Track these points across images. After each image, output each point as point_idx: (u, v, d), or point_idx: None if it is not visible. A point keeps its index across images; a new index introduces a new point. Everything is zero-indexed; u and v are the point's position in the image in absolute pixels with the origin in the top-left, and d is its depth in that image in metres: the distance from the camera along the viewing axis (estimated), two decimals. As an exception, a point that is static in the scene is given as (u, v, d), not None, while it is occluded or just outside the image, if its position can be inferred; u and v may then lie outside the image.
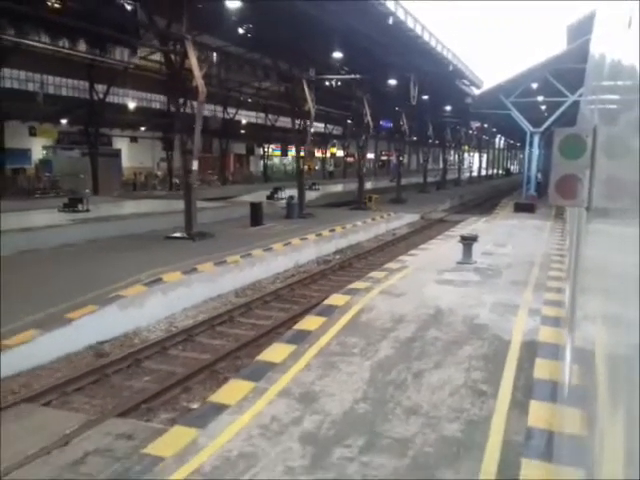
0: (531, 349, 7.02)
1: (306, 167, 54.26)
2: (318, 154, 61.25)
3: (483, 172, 66.56)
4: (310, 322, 8.12)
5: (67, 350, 7.81)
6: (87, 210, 20.14)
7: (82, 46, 13.22)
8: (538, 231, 18.49)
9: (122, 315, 8.84)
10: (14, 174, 30.56)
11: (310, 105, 19.80)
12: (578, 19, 22.50)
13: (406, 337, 7.47)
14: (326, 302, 9.06)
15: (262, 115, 46.04)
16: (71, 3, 11.18)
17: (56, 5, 10.97)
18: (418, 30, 15.50)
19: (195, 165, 14.14)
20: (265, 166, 50.05)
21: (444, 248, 14.49)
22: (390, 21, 13.35)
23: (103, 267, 11.09)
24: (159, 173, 41.36)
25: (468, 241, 11.88)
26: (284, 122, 48.07)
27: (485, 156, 69.45)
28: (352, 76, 20.67)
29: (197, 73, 13.46)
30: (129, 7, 11.84)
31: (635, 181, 1.44)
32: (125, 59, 14.65)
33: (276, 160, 58.03)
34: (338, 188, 42.37)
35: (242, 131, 44.96)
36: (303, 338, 7.49)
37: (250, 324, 9.84)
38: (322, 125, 52.10)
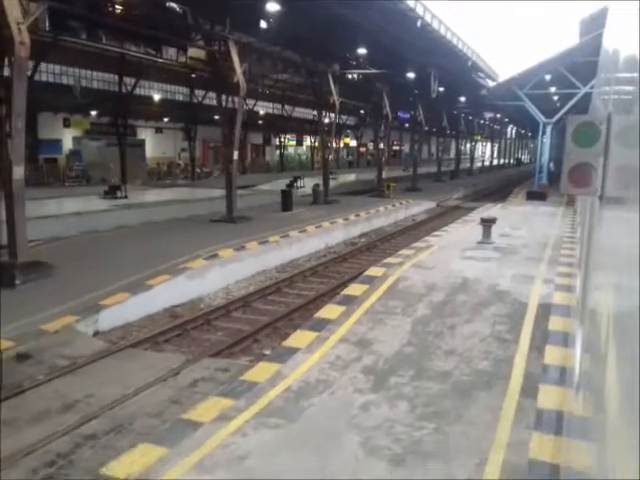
0: (546, 309, 8.30)
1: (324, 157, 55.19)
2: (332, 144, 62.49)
3: (494, 162, 67.41)
4: (355, 289, 9.46)
5: (149, 311, 9.21)
6: (125, 197, 21.56)
7: (130, 45, 14.46)
8: (550, 217, 19.67)
9: (189, 284, 10.23)
10: (47, 163, 32.01)
11: (335, 98, 20.97)
12: (590, 14, 23.51)
13: (439, 300, 8.79)
14: (366, 273, 10.41)
15: (278, 106, 47.17)
16: (132, 9, 12.48)
17: (117, 11, 12.26)
18: (442, 30, 16.65)
19: (236, 155, 15.46)
20: (282, 156, 51.25)
21: (464, 231, 15.76)
22: (418, 24, 14.53)
23: (164, 245, 12.48)
24: (181, 162, 42.69)
25: (488, 223, 13.15)
26: (299, 113, 49.34)
27: (497, 146, 70.27)
28: (375, 71, 21.78)
29: (238, 70, 14.74)
30: (180, 11, 13.10)
31: None
32: (176, 58, 15.91)
33: (291, 150, 59.20)
34: (352, 177, 43.63)
35: (260, 122, 46.12)
36: (351, 301, 8.82)
37: (295, 294, 11.18)
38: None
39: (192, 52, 16.05)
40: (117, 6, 12.17)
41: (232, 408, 5.43)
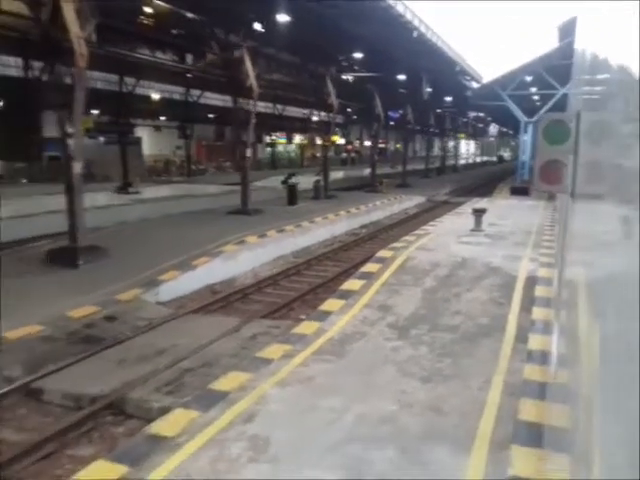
0: (532, 281, 9.99)
1: (316, 155, 56.57)
2: (319, 142, 64.23)
3: (478, 159, 69.55)
4: (370, 267, 11.06)
5: (195, 287, 10.71)
6: (137, 192, 22.89)
7: (156, 52, 15.87)
8: (533, 209, 21.50)
9: (224, 265, 11.74)
10: (50, 161, 33.06)
11: (333, 99, 22.52)
12: (567, 20, 25.35)
13: (443, 274, 10.44)
14: (377, 254, 12.02)
15: (270, 105, 48.55)
16: (161, 21, 13.92)
17: (145, 22, 13.69)
18: (434, 39, 18.29)
19: (249, 153, 16.98)
20: (273, 153, 52.63)
21: (456, 221, 17.48)
22: (415, 34, 16.16)
23: (194, 233, 13.94)
24: (176, 160, 43.94)
25: (479, 213, 14.86)
26: (290, 112, 50.76)
27: (479, 144, 72.46)
28: (369, 74, 23.36)
29: (252, 75, 16.22)
30: (198, 21, 14.57)
31: (615, 166, 1.60)
32: (194, 64, 17.34)
33: (280, 148, 60.62)
34: (341, 174, 45.20)
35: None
36: (369, 277, 10.41)
37: (314, 275, 12.74)
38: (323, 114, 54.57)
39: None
40: (149, 19, 13.58)
41: (292, 350, 6.98)
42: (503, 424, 5.10)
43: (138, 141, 39.81)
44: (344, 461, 4.46)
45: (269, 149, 54.60)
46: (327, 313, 8.55)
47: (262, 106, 48.87)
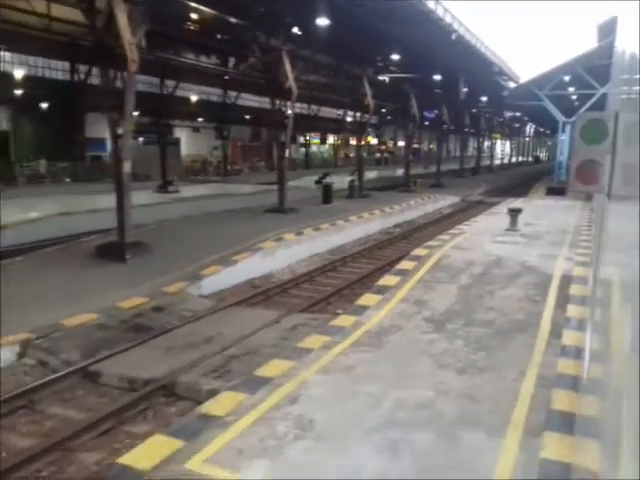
0: (567, 280, 10.06)
1: (349, 155, 56.74)
2: (352, 142, 64.61)
3: (513, 159, 68.66)
4: (406, 264, 11.29)
5: (235, 282, 11.15)
6: (177, 191, 23.61)
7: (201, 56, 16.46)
8: (570, 209, 21.31)
9: (262, 261, 12.16)
10: (92, 161, 34.28)
11: (369, 100, 22.77)
12: (608, 19, 25.00)
13: (478, 272, 10.61)
14: (412, 253, 12.24)
15: (305, 105, 49.04)
16: (207, 27, 14.47)
17: (191, 27, 14.25)
18: (473, 41, 18.38)
19: (287, 153, 17.40)
20: (307, 154, 53.13)
21: (491, 221, 17.52)
22: (453, 37, 16.32)
23: (233, 230, 14.44)
24: (212, 160, 44.84)
25: (514, 212, 14.91)
26: (324, 112, 51.21)
27: (515, 144, 71.52)
28: (406, 75, 23.55)
29: (291, 77, 16.63)
30: (241, 25, 15.05)
31: None
32: (237, 67, 17.91)
33: (314, 148, 61.13)
34: (374, 174, 45.32)
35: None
36: (404, 273, 10.65)
37: (349, 271, 13.04)
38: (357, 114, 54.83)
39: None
40: (194, 24, 14.14)
41: (330, 341, 7.28)
42: (536, 412, 5.30)
43: (177, 142, 40.88)
44: (386, 441, 4.75)
45: (303, 149, 55.12)
46: (364, 307, 8.84)
47: (297, 107, 49.53)
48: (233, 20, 14.80)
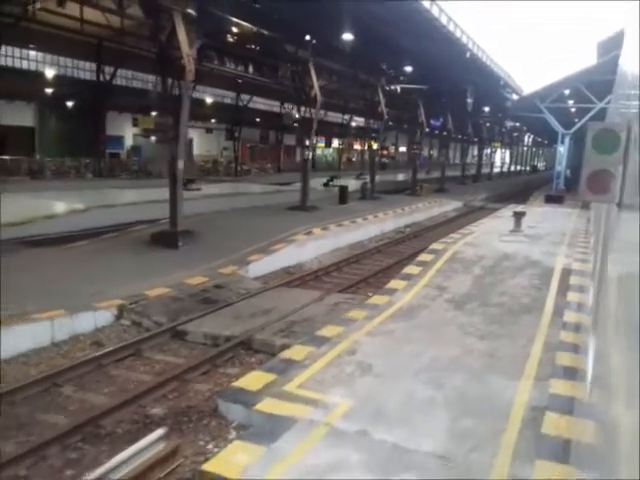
0: (567, 272, 11.60)
1: (351, 158, 58.01)
2: (357, 147, 66.55)
3: (512, 168, 70.40)
4: (424, 257, 12.82)
5: (274, 268, 12.64)
6: (199, 189, 25.04)
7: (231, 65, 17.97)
8: (567, 216, 22.92)
9: (295, 252, 13.65)
10: (111, 158, 35.72)
11: (383, 108, 24.31)
12: (608, 36, 26.47)
13: (489, 265, 12.14)
14: (429, 247, 13.76)
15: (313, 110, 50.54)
16: (245, 40, 16.02)
17: (230, 39, 15.76)
18: (484, 58, 19.98)
19: (309, 155, 18.90)
20: (313, 157, 54.60)
21: (496, 223, 19.09)
22: (467, 55, 17.92)
23: (266, 224, 15.93)
24: (223, 160, 46.30)
25: (519, 215, 16.47)
26: (330, 117, 52.73)
27: (513, 153, 73.28)
28: (417, 86, 25.12)
29: (316, 86, 18.14)
30: (274, 38, 16.58)
31: None
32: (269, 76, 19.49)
33: (318, 151, 62.68)
34: (378, 178, 46.75)
35: (295, 125, 49.55)
36: (424, 264, 12.17)
37: (371, 263, 14.53)
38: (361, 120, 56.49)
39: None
40: (234, 37, 15.68)
41: (369, 314, 8.77)
42: (544, 366, 6.80)
43: (190, 142, 42.38)
44: (430, 379, 6.24)
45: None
46: (393, 290, 10.33)
47: (303, 110, 51.12)
48: (265, 32, 16.29)
